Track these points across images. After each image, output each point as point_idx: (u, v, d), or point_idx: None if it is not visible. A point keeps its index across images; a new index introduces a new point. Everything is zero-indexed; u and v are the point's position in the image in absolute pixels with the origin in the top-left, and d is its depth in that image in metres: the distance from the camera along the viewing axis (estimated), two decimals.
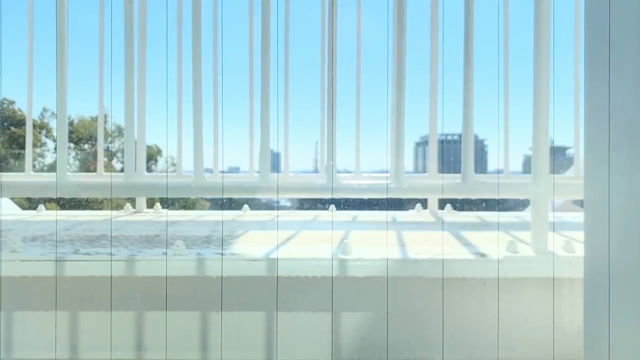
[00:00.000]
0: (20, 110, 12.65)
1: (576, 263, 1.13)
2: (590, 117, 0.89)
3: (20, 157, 11.77)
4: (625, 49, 0.80)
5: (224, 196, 1.15)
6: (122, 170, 1.24)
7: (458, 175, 1.25)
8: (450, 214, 2.09)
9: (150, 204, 2.28)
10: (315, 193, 1.18)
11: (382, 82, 1.88)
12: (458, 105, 1.22)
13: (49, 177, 2.19)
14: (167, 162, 13.22)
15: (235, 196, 1.15)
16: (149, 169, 12.98)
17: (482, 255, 1.18)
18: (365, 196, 1.17)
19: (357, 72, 2.25)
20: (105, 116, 2.29)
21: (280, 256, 1.15)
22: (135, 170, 1.71)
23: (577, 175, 2.42)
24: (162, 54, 1.93)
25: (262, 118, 1.19)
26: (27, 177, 2.09)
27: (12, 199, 3.10)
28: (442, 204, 2.17)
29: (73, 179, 1.16)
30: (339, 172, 1.27)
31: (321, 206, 2.25)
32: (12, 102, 12.81)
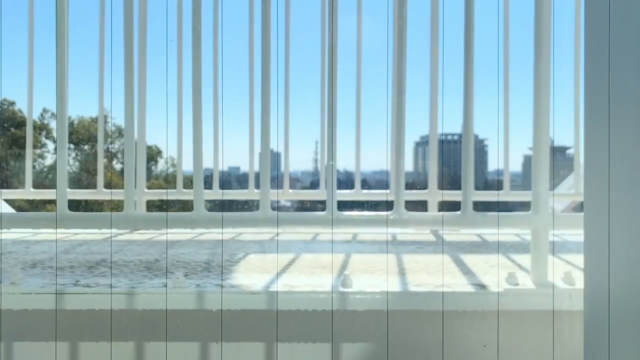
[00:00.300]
0: (20, 111, 12.65)
1: (576, 296, 1.13)
2: (590, 117, 0.88)
3: (20, 157, 11.77)
4: (625, 48, 0.79)
5: (223, 229, 1.15)
6: (122, 171, 1.23)
7: (459, 192, 1.25)
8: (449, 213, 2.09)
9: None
10: (315, 226, 1.18)
11: (383, 82, 1.89)
12: (458, 105, 1.22)
13: (49, 194, 2.21)
14: (167, 163, 13.24)
15: (234, 228, 1.15)
16: (148, 170, 12.99)
17: (482, 287, 1.18)
18: (366, 228, 1.17)
19: (358, 71, 2.24)
20: (105, 117, 2.29)
21: (280, 288, 1.15)
22: (136, 173, 1.71)
23: (577, 191, 2.42)
24: (162, 54, 1.94)
25: (263, 119, 1.19)
26: (26, 194, 2.09)
27: (11, 204, 3.09)
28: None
29: (72, 213, 1.16)
30: (338, 170, 1.27)
31: (322, 206, 2.24)
32: (12, 103, 12.81)
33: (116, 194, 2.05)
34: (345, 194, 2.11)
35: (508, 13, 2.19)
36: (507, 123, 2.24)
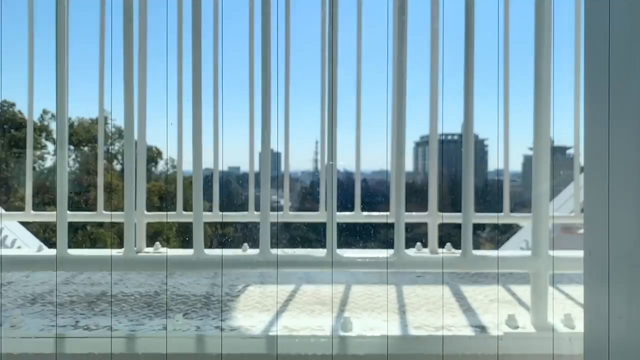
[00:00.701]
0: (20, 112, 12.64)
1: (576, 340, 1.13)
2: (590, 117, 0.87)
3: (20, 160, 11.79)
4: (625, 48, 0.79)
5: (223, 271, 1.15)
6: (122, 171, 1.22)
7: (459, 214, 1.25)
8: (450, 254, 2.09)
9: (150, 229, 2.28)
10: (315, 267, 1.18)
11: (383, 82, 1.89)
12: (458, 105, 1.22)
13: (48, 216, 2.21)
14: (167, 164, 13.24)
15: (232, 270, 1.15)
16: (148, 171, 12.97)
17: (482, 328, 1.18)
18: (366, 270, 1.17)
19: (358, 71, 2.23)
20: (106, 118, 2.28)
21: (280, 330, 1.16)
22: (136, 174, 1.70)
23: (577, 200, 2.42)
24: (162, 55, 1.93)
25: (263, 119, 1.18)
26: (26, 216, 2.10)
27: (9, 205, 3.09)
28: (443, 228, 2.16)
29: (72, 254, 1.16)
30: (338, 170, 1.26)
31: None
32: (13, 105, 12.79)
33: (116, 217, 2.05)
34: (345, 216, 2.11)
35: (508, 13, 2.19)
36: (507, 123, 2.24)
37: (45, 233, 10.87)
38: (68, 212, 1.24)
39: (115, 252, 2.05)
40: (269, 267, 1.15)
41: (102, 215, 2.08)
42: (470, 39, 1.18)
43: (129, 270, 1.31)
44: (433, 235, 2.10)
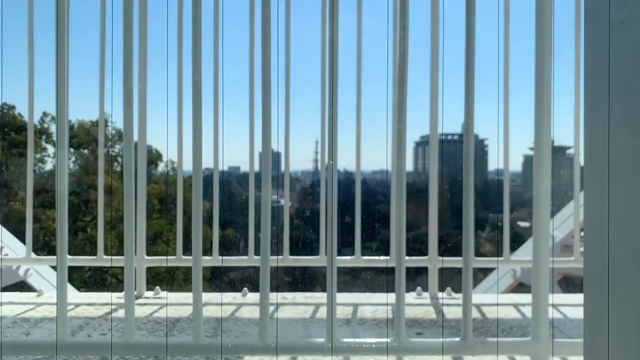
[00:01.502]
0: (20, 115, 12.61)
1: None
2: (590, 117, 0.87)
3: (21, 160, 11.77)
4: (625, 47, 0.79)
5: (223, 355, 1.15)
6: (122, 173, 1.22)
7: (459, 259, 1.24)
8: (449, 298, 2.10)
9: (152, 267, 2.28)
10: (314, 352, 1.18)
11: (383, 82, 1.89)
12: (458, 105, 1.21)
13: (48, 261, 2.21)
14: (167, 166, 13.22)
15: (232, 355, 1.15)
16: (149, 173, 12.93)
17: None
18: (366, 354, 1.17)
19: (358, 71, 2.23)
20: (106, 121, 2.28)
21: None
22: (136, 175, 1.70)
23: (576, 216, 2.43)
24: (162, 55, 1.92)
25: (264, 119, 1.18)
26: (26, 261, 2.10)
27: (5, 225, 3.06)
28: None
29: (72, 340, 1.16)
30: (338, 170, 1.25)
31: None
32: (13, 107, 12.77)
33: (116, 261, 2.06)
34: (345, 261, 2.11)
35: (509, 13, 2.18)
36: (507, 123, 2.24)
37: (45, 237, 10.90)
38: (69, 256, 1.24)
39: (116, 296, 2.05)
40: (269, 353, 1.15)
41: (102, 259, 2.09)
42: (471, 38, 1.17)
43: (129, 354, 1.31)
44: (433, 280, 2.11)
